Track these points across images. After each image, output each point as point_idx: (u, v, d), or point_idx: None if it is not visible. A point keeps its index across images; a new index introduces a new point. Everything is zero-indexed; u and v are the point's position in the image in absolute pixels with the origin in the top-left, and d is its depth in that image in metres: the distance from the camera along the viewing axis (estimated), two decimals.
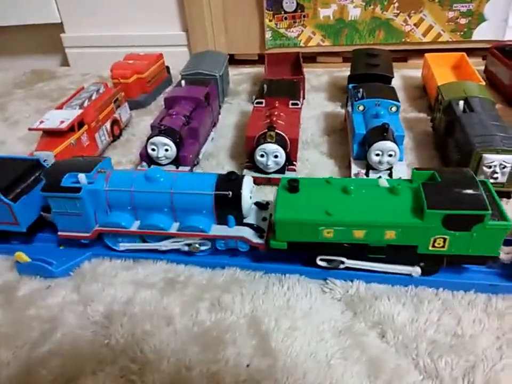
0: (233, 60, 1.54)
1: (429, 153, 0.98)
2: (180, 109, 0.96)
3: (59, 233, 0.72)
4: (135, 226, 0.71)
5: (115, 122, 1.08)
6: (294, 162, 0.91)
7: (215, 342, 0.59)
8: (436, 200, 0.58)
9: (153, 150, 0.88)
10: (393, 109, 0.94)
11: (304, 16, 1.45)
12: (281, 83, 1.08)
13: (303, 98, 1.19)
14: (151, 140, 0.88)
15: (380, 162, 0.84)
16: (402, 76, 1.36)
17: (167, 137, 0.87)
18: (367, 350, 0.57)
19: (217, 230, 0.69)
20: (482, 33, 1.39)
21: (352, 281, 0.66)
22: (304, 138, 1.05)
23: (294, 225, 0.62)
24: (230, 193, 0.66)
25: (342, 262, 0.65)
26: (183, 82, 1.07)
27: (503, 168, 0.76)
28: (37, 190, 0.74)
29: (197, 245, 0.70)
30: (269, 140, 0.85)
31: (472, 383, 0.53)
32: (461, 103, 0.90)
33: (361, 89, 0.99)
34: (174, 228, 0.70)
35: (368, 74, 1.09)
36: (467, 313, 0.61)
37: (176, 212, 0.69)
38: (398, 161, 0.87)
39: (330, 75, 1.41)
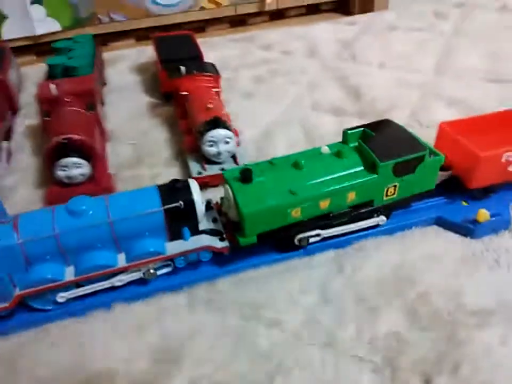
0: None
1: None
2: None
3: None
4: (69, 275, 0.57)
5: None
6: None
7: None
8: (383, 153, 0.62)
9: None
10: None
11: None
12: None
13: None
14: None
15: None
16: None
17: None
18: None
19: (174, 247, 0.61)
20: (12, 31, 1.25)
21: None
22: None
23: (263, 215, 0.59)
24: (182, 203, 0.59)
25: (318, 235, 0.64)
26: None
27: None
28: None
29: (151, 271, 0.61)
30: None
31: None
32: None
33: None
34: (121, 260, 0.59)
35: None
36: None
37: (119, 242, 0.59)
38: None
39: None
